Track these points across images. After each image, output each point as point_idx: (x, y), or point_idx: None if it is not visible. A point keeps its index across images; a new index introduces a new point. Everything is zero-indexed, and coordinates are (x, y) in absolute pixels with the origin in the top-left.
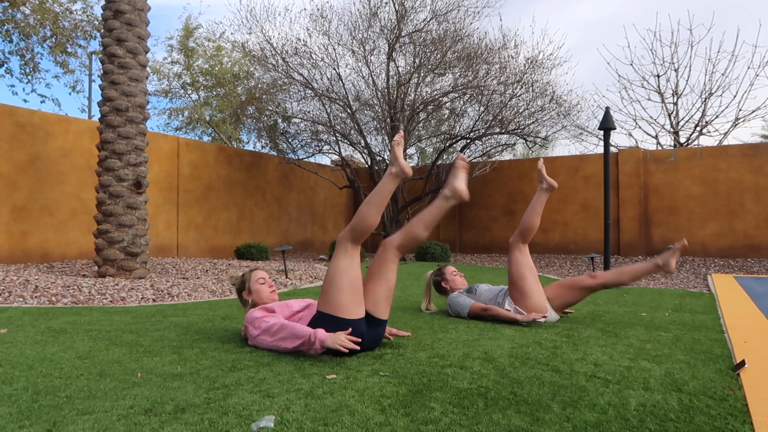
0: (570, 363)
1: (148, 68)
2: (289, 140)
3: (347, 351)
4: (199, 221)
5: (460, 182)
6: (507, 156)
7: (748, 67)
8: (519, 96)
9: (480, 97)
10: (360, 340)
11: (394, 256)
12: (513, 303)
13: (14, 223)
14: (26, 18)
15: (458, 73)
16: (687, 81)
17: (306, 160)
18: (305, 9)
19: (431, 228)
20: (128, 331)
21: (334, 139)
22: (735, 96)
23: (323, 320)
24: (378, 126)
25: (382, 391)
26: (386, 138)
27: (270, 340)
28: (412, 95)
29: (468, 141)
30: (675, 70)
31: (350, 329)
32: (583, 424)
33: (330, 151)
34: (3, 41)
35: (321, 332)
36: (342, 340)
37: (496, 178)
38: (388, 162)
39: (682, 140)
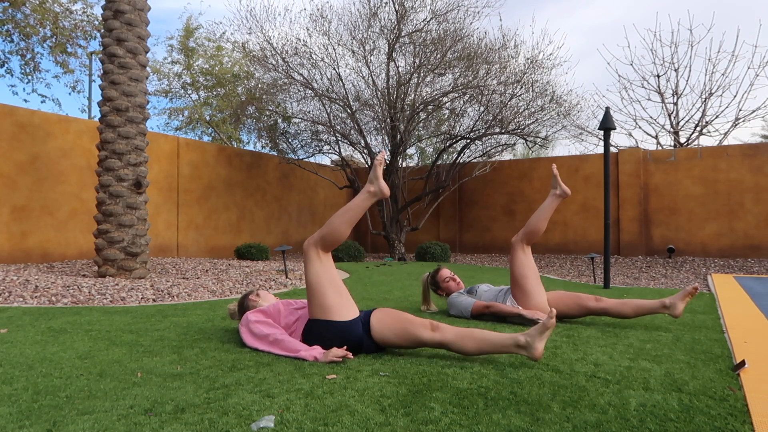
0: (570, 363)
1: (148, 68)
2: (289, 140)
3: (340, 360)
4: (199, 221)
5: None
6: (507, 156)
7: (748, 67)
8: (519, 96)
9: (480, 97)
10: (352, 357)
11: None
12: (515, 302)
13: (14, 223)
14: (26, 18)
15: (458, 73)
16: (687, 81)
17: (306, 160)
18: (305, 9)
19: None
20: (128, 331)
21: (334, 139)
22: (735, 96)
23: (317, 327)
24: (378, 126)
25: (382, 391)
26: (386, 138)
27: (263, 347)
28: (412, 95)
29: (468, 141)
30: (675, 70)
31: (345, 347)
32: (583, 424)
33: (330, 151)
34: (3, 41)
35: (317, 350)
36: (335, 352)
37: (496, 178)
38: (387, 162)
39: (682, 140)
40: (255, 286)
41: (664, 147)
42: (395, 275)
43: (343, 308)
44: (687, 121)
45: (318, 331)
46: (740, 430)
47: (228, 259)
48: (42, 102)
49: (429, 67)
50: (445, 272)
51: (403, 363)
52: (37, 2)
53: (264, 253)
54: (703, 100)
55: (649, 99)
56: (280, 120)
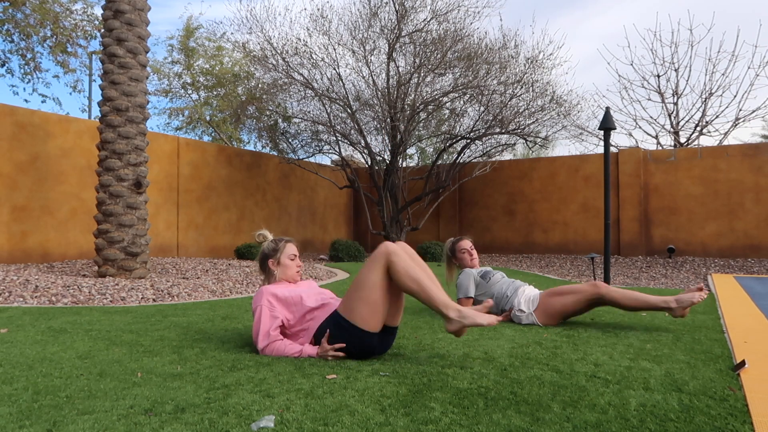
0: (570, 363)
1: (148, 68)
2: (289, 140)
3: (330, 358)
4: (199, 221)
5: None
6: (507, 156)
7: (748, 67)
8: (519, 96)
9: (480, 97)
10: (344, 345)
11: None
12: (520, 302)
13: (14, 223)
14: (26, 18)
15: (458, 73)
16: (687, 81)
17: (306, 160)
18: (305, 9)
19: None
20: (128, 331)
21: (334, 139)
22: (735, 96)
23: (338, 323)
24: (378, 126)
25: (382, 391)
26: (386, 138)
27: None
28: (413, 95)
29: (468, 141)
30: (675, 70)
31: (344, 344)
32: (583, 424)
33: (330, 151)
34: (3, 41)
35: (308, 348)
36: (326, 349)
37: (496, 178)
38: (387, 162)
39: (682, 140)
40: (281, 242)
41: (664, 147)
42: None
43: (372, 321)
44: (687, 121)
45: (334, 327)
46: (740, 430)
47: (228, 259)
48: (42, 102)
49: (429, 67)
50: (466, 243)
51: (403, 363)
52: (37, 2)
53: None
54: (703, 100)
55: (649, 99)
56: (280, 120)
